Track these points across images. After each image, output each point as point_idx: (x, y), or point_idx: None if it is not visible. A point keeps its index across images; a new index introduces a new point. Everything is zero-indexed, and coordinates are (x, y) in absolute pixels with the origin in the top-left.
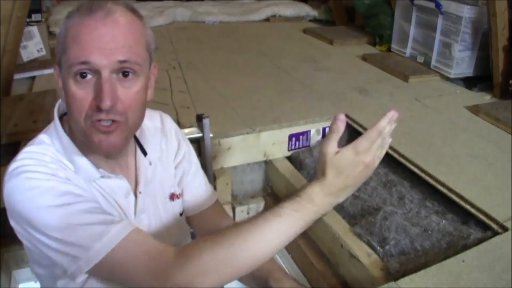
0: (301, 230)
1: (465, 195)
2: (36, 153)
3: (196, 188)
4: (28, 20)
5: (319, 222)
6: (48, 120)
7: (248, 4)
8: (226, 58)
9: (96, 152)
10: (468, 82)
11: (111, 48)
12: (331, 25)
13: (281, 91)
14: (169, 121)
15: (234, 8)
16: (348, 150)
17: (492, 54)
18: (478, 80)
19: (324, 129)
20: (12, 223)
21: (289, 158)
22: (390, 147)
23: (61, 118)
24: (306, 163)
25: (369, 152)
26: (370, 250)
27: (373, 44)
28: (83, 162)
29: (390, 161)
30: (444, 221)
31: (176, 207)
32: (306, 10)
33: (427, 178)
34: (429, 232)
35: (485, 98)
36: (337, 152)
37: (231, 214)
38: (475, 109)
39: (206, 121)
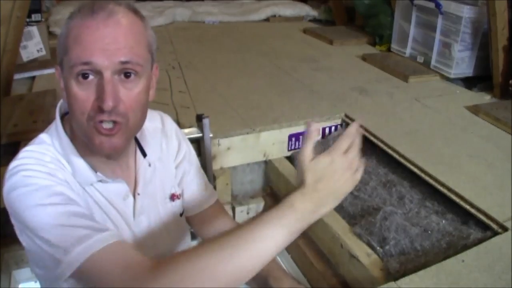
0: (284, 239)
1: (465, 195)
2: (36, 152)
3: (196, 188)
4: (28, 20)
5: (319, 222)
6: (48, 120)
7: (248, 4)
8: (226, 58)
9: (98, 154)
10: (468, 82)
11: (112, 49)
12: (331, 25)
13: (281, 91)
14: (169, 121)
15: (234, 8)
16: (324, 156)
17: (492, 54)
18: (478, 80)
19: (324, 129)
20: (12, 220)
21: (289, 158)
22: (390, 147)
23: (62, 118)
24: None
25: (345, 158)
26: (370, 250)
27: (373, 44)
28: (80, 164)
29: (390, 161)
30: (444, 221)
31: (176, 207)
32: (306, 10)
33: (427, 178)
34: (429, 232)
35: (485, 98)
36: (313, 158)
37: (231, 214)
38: (475, 109)
39: (206, 121)
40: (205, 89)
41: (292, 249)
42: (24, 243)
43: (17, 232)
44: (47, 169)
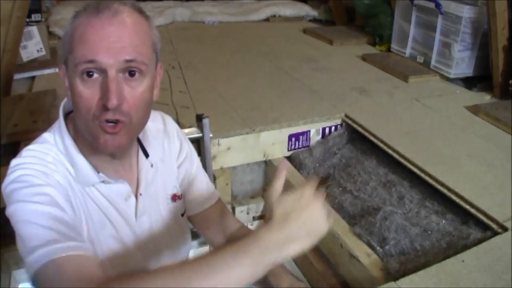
0: (249, 271)
1: (464, 195)
2: (39, 151)
3: (198, 187)
4: (28, 20)
5: None
6: (48, 120)
7: (248, 4)
8: (226, 58)
9: (102, 152)
10: (468, 82)
11: (117, 47)
12: (331, 25)
13: (281, 91)
14: (170, 121)
15: (234, 8)
16: (292, 193)
17: (492, 54)
18: (478, 80)
19: (324, 129)
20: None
21: (288, 158)
22: (390, 147)
23: (65, 117)
24: (306, 163)
25: (316, 195)
26: (370, 250)
27: (373, 44)
28: (83, 164)
29: (390, 161)
30: (443, 221)
31: (177, 207)
32: (306, 10)
33: (427, 178)
34: (429, 232)
35: (485, 98)
36: (282, 194)
37: None
38: (475, 109)
39: (206, 121)
40: (205, 89)
41: None
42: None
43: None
44: (45, 169)
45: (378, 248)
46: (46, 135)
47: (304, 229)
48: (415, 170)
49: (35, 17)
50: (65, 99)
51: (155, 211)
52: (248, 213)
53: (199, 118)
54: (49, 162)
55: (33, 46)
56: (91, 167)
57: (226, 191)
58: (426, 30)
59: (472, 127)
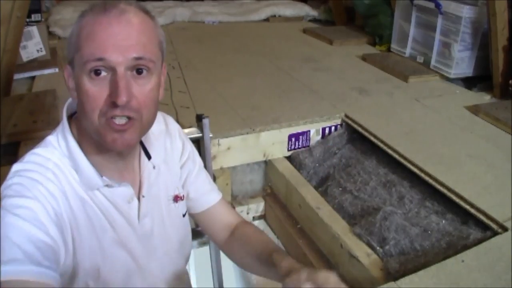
0: None
1: (464, 195)
2: (41, 157)
3: (200, 186)
4: (28, 20)
5: (319, 222)
6: (48, 120)
7: (248, 4)
8: (225, 58)
9: (110, 151)
10: (468, 82)
11: (126, 45)
12: (331, 25)
13: (281, 91)
14: (172, 121)
15: (234, 8)
16: None
17: (492, 54)
18: (478, 80)
19: (324, 129)
20: None
21: (288, 158)
22: (390, 147)
23: (69, 119)
24: (306, 163)
25: None
26: (369, 250)
27: (373, 44)
28: (87, 168)
29: (390, 161)
30: (443, 221)
31: (179, 208)
32: (306, 10)
33: (426, 178)
34: (429, 232)
35: (485, 98)
36: None
37: None
38: (475, 109)
39: (206, 121)
40: (205, 89)
41: (292, 249)
42: None
43: None
44: (41, 177)
45: (378, 248)
46: (50, 138)
47: None
48: (415, 170)
49: (35, 17)
50: (68, 101)
51: (157, 213)
52: (248, 213)
53: (199, 118)
54: (48, 169)
55: (33, 46)
56: (94, 171)
57: (226, 191)
58: (426, 30)
59: (472, 127)
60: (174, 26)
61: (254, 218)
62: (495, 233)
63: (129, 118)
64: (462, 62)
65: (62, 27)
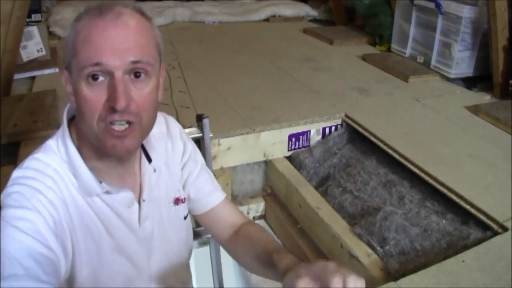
0: None
1: (465, 195)
2: (41, 162)
3: (201, 187)
4: (28, 20)
5: (319, 222)
6: (48, 120)
7: (248, 4)
8: (226, 58)
9: (110, 156)
10: (468, 82)
11: (123, 48)
12: (331, 25)
13: (281, 91)
14: (173, 122)
15: (234, 8)
16: None
17: (492, 54)
18: (478, 80)
19: (324, 129)
20: None
21: (289, 158)
22: (390, 147)
23: (69, 123)
24: (306, 163)
25: None
26: (370, 250)
27: (373, 44)
28: (86, 174)
29: (390, 161)
30: (444, 221)
31: (180, 211)
32: (306, 10)
33: (427, 178)
34: (429, 232)
35: (485, 98)
36: None
37: None
38: (475, 109)
39: (206, 121)
40: (205, 89)
41: (292, 249)
42: None
43: None
44: (41, 185)
45: (378, 248)
46: (50, 142)
47: None
48: (415, 170)
49: (35, 17)
50: (68, 105)
51: (157, 216)
52: (248, 213)
53: (199, 118)
54: (48, 176)
55: (33, 46)
56: (93, 177)
57: (226, 191)
58: (426, 30)
59: (472, 127)
60: (174, 26)
61: (254, 218)
62: (495, 233)
63: (128, 122)
64: (462, 62)
65: (62, 27)
